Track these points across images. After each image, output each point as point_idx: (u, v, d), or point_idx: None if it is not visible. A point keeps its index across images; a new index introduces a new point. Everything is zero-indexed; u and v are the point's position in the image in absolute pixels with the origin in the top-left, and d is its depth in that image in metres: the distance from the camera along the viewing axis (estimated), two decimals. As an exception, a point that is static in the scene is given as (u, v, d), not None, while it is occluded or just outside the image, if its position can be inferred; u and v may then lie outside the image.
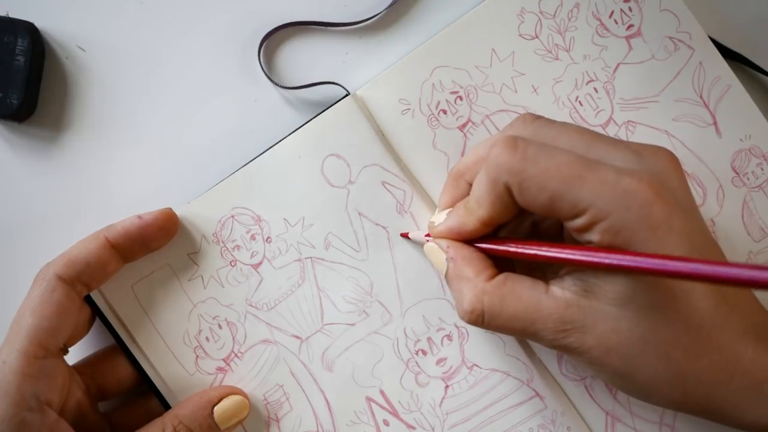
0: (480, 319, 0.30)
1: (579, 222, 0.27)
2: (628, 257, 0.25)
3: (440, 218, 0.32)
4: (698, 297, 0.27)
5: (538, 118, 0.31)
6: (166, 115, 0.38)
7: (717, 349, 0.27)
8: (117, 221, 0.34)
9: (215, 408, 0.33)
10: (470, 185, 0.31)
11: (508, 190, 0.28)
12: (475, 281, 0.30)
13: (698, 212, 0.29)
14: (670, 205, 0.26)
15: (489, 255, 0.31)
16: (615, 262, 0.25)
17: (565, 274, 0.29)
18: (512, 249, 0.29)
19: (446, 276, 0.31)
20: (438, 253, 0.32)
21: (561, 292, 0.28)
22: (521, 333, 0.29)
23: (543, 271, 0.32)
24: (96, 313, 0.35)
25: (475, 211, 0.30)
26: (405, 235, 0.36)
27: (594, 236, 0.27)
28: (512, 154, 0.28)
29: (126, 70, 0.38)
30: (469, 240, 0.31)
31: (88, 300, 0.35)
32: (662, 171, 0.28)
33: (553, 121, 0.30)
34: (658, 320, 0.27)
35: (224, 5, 0.38)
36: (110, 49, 0.38)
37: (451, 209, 0.32)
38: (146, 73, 0.38)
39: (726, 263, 0.22)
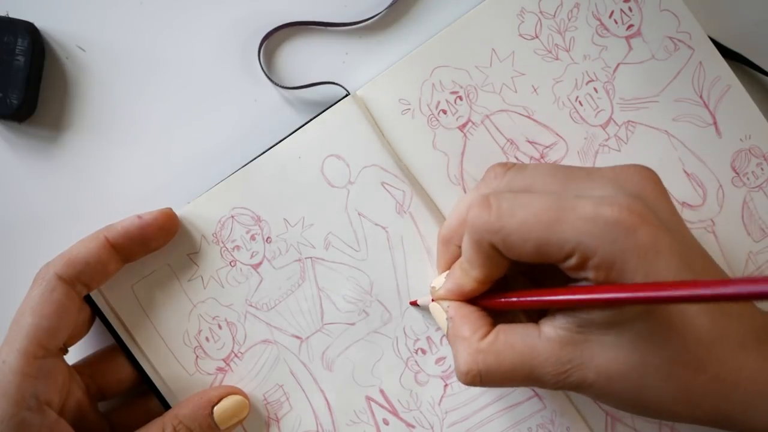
0: (477, 379, 0.29)
1: (570, 263, 0.27)
2: (623, 293, 0.24)
3: (440, 282, 0.32)
4: (694, 313, 0.27)
5: (509, 167, 0.31)
6: (166, 115, 0.37)
7: (718, 361, 0.27)
8: (117, 221, 0.33)
9: (215, 408, 0.33)
10: (459, 247, 0.32)
11: (494, 248, 0.28)
12: (470, 340, 0.30)
13: (684, 226, 0.29)
14: (655, 227, 0.26)
15: (490, 308, 0.31)
16: (612, 296, 0.25)
17: (555, 312, 0.29)
18: (513, 300, 0.30)
19: (447, 336, 0.32)
20: (441, 313, 0.32)
21: (554, 331, 0.28)
22: (523, 383, 0.29)
23: (539, 313, 0.32)
24: (96, 313, 0.35)
25: (469, 272, 0.30)
26: (414, 303, 0.36)
27: (589, 273, 0.26)
28: (488, 214, 0.28)
29: (126, 70, 0.38)
30: (471, 298, 0.31)
31: (88, 300, 0.34)
32: (641, 191, 0.28)
33: (524, 166, 0.31)
34: (656, 342, 0.27)
35: (224, 5, 0.37)
36: (110, 49, 0.37)
37: (448, 272, 0.32)
38: (146, 73, 0.38)
39: (719, 282, 0.21)
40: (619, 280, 0.26)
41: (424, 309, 0.35)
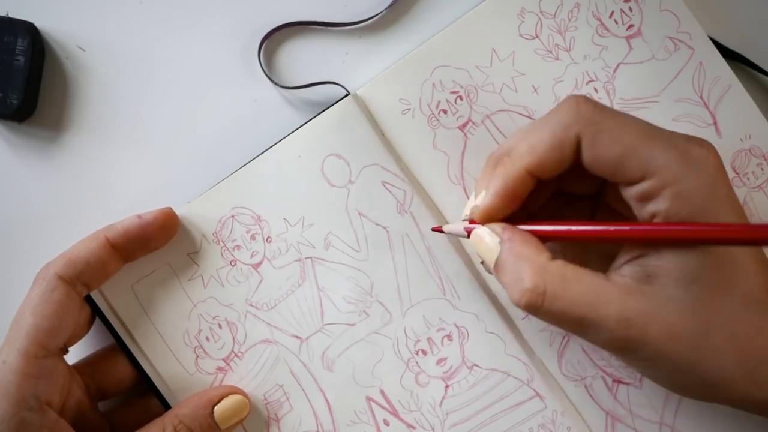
0: (540, 299, 0.26)
1: (645, 185, 0.26)
2: (711, 227, 0.24)
3: (479, 200, 0.29)
4: (754, 272, 0.26)
5: (593, 102, 0.28)
6: (166, 114, 0.37)
7: None
8: (117, 221, 0.33)
9: (215, 408, 0.33)
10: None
11: (576, 142, 0.27)
12: (538, 259, 0.27)
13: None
14: (728, 182, 0.26)
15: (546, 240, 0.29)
16: (697, 230, 0.24)
17: (623, 264, 0.27)
18: (575, 229, 0.27)
19: (498, 260, 0.28)
20: (487, 238, 0.28)
21: (622, 279, 0.27)
22: (579, 323, 0.26)
23: (596, 264, 0.29)
24: (96, 312, 0.34)
25: (522, 158, 0.28)
26: (438, 229, 0.32)
27: (661, 203, 0.25)
28: (593, 106, 0.27)
29: (126, 70, 0.37)
30: (514, 203, 0.29)
31: (88, 300, 0.34)
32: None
33: (606, 107, 0.28)
34: (723, 297, 0.26)
35: (224, 5, 0.37)
36: (110, 49, 0.37)
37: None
38: (146, 73, 0.37)
39: None
40: (690, 219, 0.25)
41: (456, 237, 0.32)
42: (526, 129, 0.29)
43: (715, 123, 0.36)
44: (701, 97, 0.36)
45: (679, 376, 0.27)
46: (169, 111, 0.37)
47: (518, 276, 0.27)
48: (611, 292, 0.26)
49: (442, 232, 0.32)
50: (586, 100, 0.27)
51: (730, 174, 0.36)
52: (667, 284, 0.26)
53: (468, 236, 0.30)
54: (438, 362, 0.35)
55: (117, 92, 0.37)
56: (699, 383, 0.27)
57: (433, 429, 0.35)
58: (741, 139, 0.36)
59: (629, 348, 0.26)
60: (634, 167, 0.26)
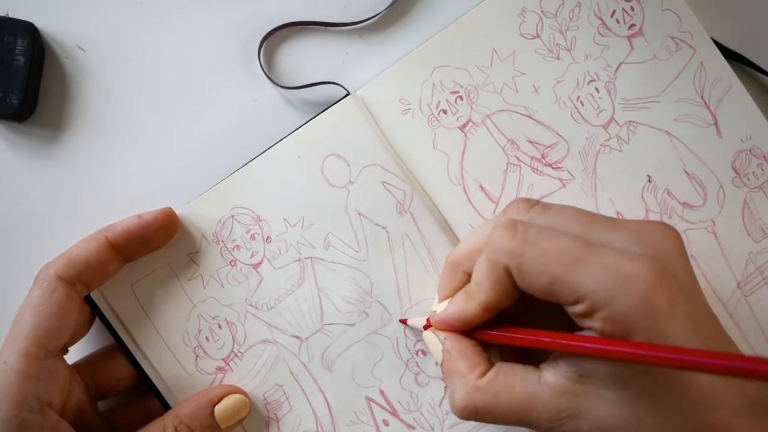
0: (472, 415, 0.28)
1: (579, 308, 0.25)
2: (628, 349, 0.23)
3: (441, 308, 0.31)
4: (693, 376, 0.26)
5: (533, 204, 0.29)
6: (166, 114, 0.36)
7: (712, 427, 0.25)
8: (117, 221, 0.32)
9: (216, 407, 0.32)
10: (467, 275, 0.30)
11: (508, 273, 0.27)
12: (468, 378, 0.28)
13: (700, 292, 0.28)
14: (672, 290, 0.25)
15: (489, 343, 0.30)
16: (615, 350, 0.24)
17: (558, 358, 0.27)
18: (512, 336, 0.28)
19: (441, 367, 0.30)
20: (435, 342, 0.30)
21: (555, 378, 0.27)
22: (517, 424, 0.28)
23: (536, 354, 0.31)
24: (96, 312, 0.33)
25: (475, 295, 0.29)
26: (404, 322, 0.34)
27: (595, 323, 0.25)
28: (512, 237, 0.26)
29: (126, 70, 0.36)
30: (469, 328, 0.30)
31: (88, 300, 0.33)
32: (663, 251, 0.26)
33: (549, 206, 0.29)
34: (654, 402, 0.25)
35: (224, 5, 0.36)
36: (110, 49, 0.36)
37: (451, 298, 0.31)
38: (146, 73, 0.36)
39: (725, 355, 0.21)
40: (625, 336, 0.25)
41: (415, 331, 0.34)
42: (475, 241, 0.30)
43: (715, 123, 0.35)
44: (702, 97, 0.35)
45: None
46: (169, 111, 0.36)
47: (452, 391, 0.29)
48: (543, 395, 0.27)
49: (407, 325, 0.34)
50: (511, 227, 0.27)
51: (731, 174, 0.35)
52: (599, 386, 0.26)
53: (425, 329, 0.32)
54: (437, 362, 0.34)
55: (117, 92, 0.36)
56: None
57: (432, 429, 0.34)
58: (742, 140, 0.35)
59: None
60: (564, 294, 0.25)
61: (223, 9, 0.36)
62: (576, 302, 0.25)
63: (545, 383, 0.27)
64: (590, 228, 0.27)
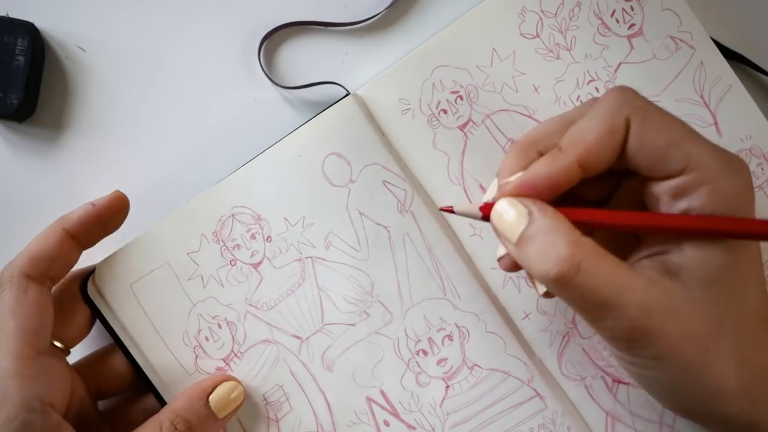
0: (574, 270, 0.24)
1: (683, 180, 0.25)
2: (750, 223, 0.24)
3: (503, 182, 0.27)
4: (761, 290, 0.25)
5: (636, 92, 0.27)
6: (166, 114, 0.36)
7: None
8: (70, 211, 0.32)
9: (210, 397, 0.31)
10: (540, 155, 0.27)
11: (626, 126, 0.25)
12: (572, 233, 0.24)
13: None
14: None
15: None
16: (744, 228, 0.24)
17: (641, 259, 0.26)
18: (607, 218, 0.25)
19: (525, 232, 0.25)
20: (512, 210, 0.25)
21: (646, 271, 0.25)
22: (602, 305, 0.24)
23: (616, 254, 0.27)
24: (94, 312, 0.33)
25: (570, 150, 0.25)
26: (448, 209, 0.28)
27: (696, 199, 0.25)
28: (637, 94, 0.26)
29: (126, 70, 0.36)
30: (555, 193, 0.26)
31: (87, 300, 0.32)
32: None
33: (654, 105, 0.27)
34: (735, 305, 0.25)
35: (224, 5, 0.36)
36: (110, 49, 0.36)
37: (528, 168, 0.27)
38: (146, 72, 0.36)
39: None
40: (723, 215, 0.24)
41: (468, 216, 0.28)
42: (561, 120, 0.27)
43: (715, 123, 0.35)
44: (702, 96, 0.34)
45: (681, 381, 0.25)
46: (169, 110, 0.36)
47: (551, 247, 0.24)
48: (637, 280, 0.24)
49: (452, 212, 0.28)
50: (631, 89, 0.26)
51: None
52: (688, 283, 0.25)
53: (482, 216, 0.27)
54: (439, 362, 0.34)
55: (117, 92, 0.36)
56: (698, 392, 0.25)
57: (433, 429, 0.34)
58: (741, 139, 0.35)
59: (643, 341, 0.24)
60: (676, 159, 0.25)
61: (223, 9, 0.36)
62: (682, 172, 0.25)
63: (639, 271, 0.25)
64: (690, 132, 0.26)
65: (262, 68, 0.35)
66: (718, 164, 0.25)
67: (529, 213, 0.25)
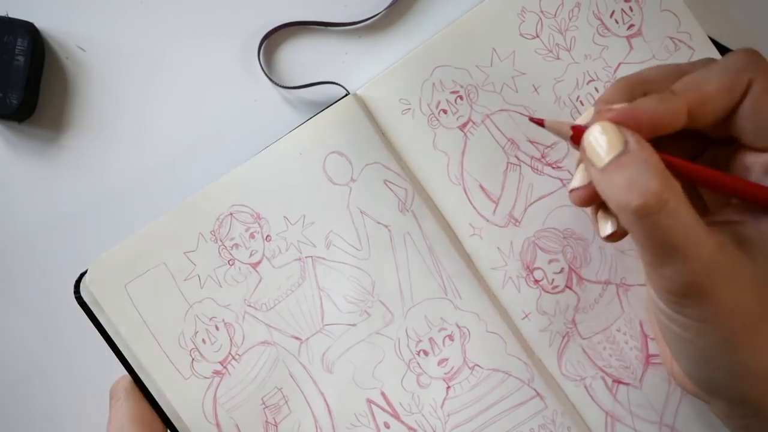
0: (660, 205, 0.23)
1: None
2: None
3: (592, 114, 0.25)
4: None
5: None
6: (166, 114, 0.35)
7: None
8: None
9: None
10: (645, 95, 0.26)
11: (746, 88, 0.24)
12: (665, 171, 0.23)
13: None
14: None
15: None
16: None
17: (716, 223, 0.25)
18: (702, 173, 0.24)
19: (618, 158, 0.24)
20: (607, 135, 0.24)
21: (718, 234, 0.24)
22: (672, 249, 0.23)
23: None
24: (86, 312, 0.32)
25: (682, 94, 0.24)
26: (538, 121, 0.26)
27: None
28: (764, 59, 0.25)
29: (126, 70, 0.35)
30: (656, 133, 0.25)
31: (80, 301, 0.31)
32: None
33: None
34: None
35: (224, 6, 0.35)
36: (110, 49, 0.35)
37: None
38: (146, 72, 0.35)
39: None
40: None
41: (556, 133, 0.26)
42: (675, 68, 0.26)
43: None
44: (701, 96, 0.34)
45: (715, 352, 0.24)
46: (169, 110, 0.35)
47: (642, 178, 0.23)
48: (710, 238, 0.23)
49: (542, 125, 0.26)
50: (758, 53, 0.25)
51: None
52: (757, 258, 0.24)
53: (572, 136, 0.25)
54: (439, 363, 0.33)
55: (117, 92, 0.35)
56: (727, 367, 0.24)
57: (434, 431, 0.33)
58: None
59: (696, 299, 0.23)
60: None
61: (223, 9, 0.35)
62: None
63: (713, 231, 0.24)
64: None
65: (262, 68, 0.35)
66: None
67: (626, 142, 0.23)
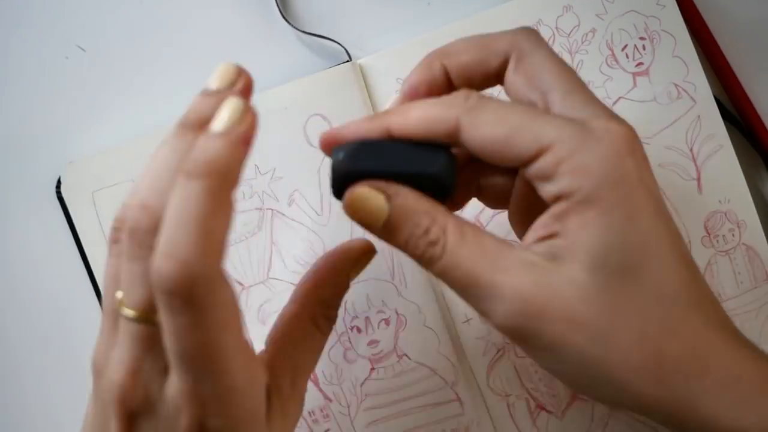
0: (440, 251, 0.23)
1: (541, 164, 0.22)
2: None
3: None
4: (671, 266, 0.22)
5: (540, 39, 0.24)
6: (167, 114, 0.34)
7: (692, 330, 0.22)
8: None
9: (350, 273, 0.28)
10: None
11: (456, 128, 0.23)
12: (434, 211, 0.23)
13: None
14: (642, 161, 0.22)
15: None
16: None
17: (530, 243, 0.23)
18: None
19: (389, 219, 0.23)
20: (371, 199, 0.24)
21: (526, 253, 0.22)
22: (475, 284, 0.22)
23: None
24: (64, 213, 0.33)
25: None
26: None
27: (561, 182, 0.22)
28: (465, 99, 0.23)
29: (126, 70, 0.34)
30: None
31: (60, 199, 0.32)
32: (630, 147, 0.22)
33: (551, 51, 0.24)
34: (632, 285, 0.21)
35: (224, 5, 0.34)
36: (110, 49, 0.34)
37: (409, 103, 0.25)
38: (146, 72, 0.34)
39: None
40: (598, 191, 0.21)
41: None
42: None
43: (698, 178, 0.34)
44: (691, 150, 0.33)
45: (584, 373, 0.23)
46: (169, 110, 0.34)
47: (417, 230, 0.23)
48: (512, 260, 0.22)
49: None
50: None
51: (702, 232, 0.34)
52: (572, 267, 0.22)
53: (344, 207, 0.24)
54: (369, 343, 0.33)
55: (117, 92, 0.34)
56: (605, 383, 0.22)
57: (348, 406, 0.33)
58: (720, 201, 0.34)
59: (527, 329, 0.22)
60: (524, 144, 0.22)
61: (223, 9, 0.34)
62: (537, 155, 0.22)
63: (516, 252, 0.22)
64: (578, 87, 0.23)
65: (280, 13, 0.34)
66: (574, 138, 0.21)
67: (386, 198, 0.23)
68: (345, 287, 0.28)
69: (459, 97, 0.23)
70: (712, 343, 0.22)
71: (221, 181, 0.20)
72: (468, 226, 0.23)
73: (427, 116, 0.23)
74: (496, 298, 0.22)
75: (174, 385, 0.21)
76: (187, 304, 0.19)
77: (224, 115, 0.22)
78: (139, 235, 0.21)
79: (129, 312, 0.21)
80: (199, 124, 0.22)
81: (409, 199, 0.23)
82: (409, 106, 0.24)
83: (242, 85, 0.24)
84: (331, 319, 0.28)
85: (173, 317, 0.19)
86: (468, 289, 0.23)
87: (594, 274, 0.21)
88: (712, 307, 0.23)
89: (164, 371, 0.21)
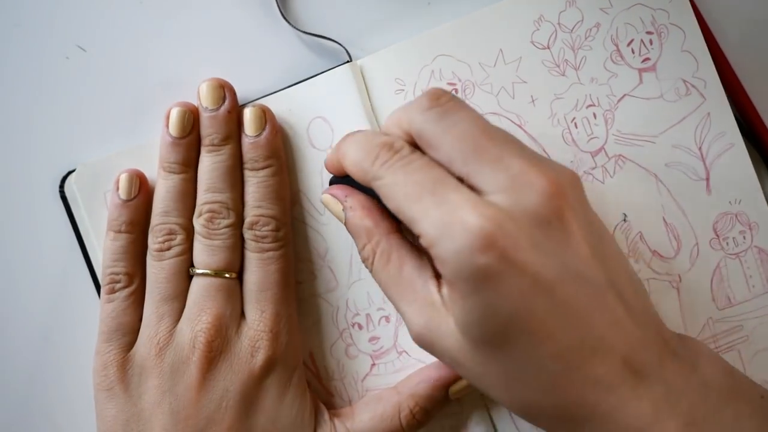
0: (369, 267, 0.27)
1: (422, 243, 0.24)
2: None
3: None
4: (540, 341, 0.23)
5: (442, 101, 0.25)
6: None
7: (573, 389, 0.23)
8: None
9: (451, 389, 0.31)
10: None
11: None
12: (374, 231, 0.27)
13: (573, 255, 0.23)
14: (505, 251, 0.21)
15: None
16: None
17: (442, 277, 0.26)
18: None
19: (346, 226, 0.28)
20: (332, 204, 0.28)
21: (430, 291, 0.25)
22: (394, 304, 0.26)
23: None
24: (66, 210, 0.34)
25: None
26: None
27: (438, 266, 0.24)
28: (371, 162, 0.25)
29: (126, 70, 0.35)
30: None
31: (62, 196, 0.33)
32: (530, 207, 0.22)
33: (451, 111, 0.24)
34: (500, 354, 0.23)
35: (224, 6, 0.34)
36: (110, 49, 0.34)
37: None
38: (146, 72, 0.35)
39: None
40: (450, 285, 0.23)
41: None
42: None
43: (707, 179, 0.32)
44: (700, 149, 0.32)
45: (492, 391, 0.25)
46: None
47: (359, 243, 0.27)
48: (418, 295, 0.25)
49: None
50: (382, 146, 0.25)
51: (710, 234, 0.32)
52: (452, 321, 0.24)
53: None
54: (370, 339, 0.34)
55: (117, 92, 0.34)
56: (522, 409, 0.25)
57: (350, 402, 0.33)
58: (730, 202, 0.32)
59: (428, 351, 0.26)
60: (408, 225, 0.24)
61: (223, 9, 0.34)
62: (418, 237, 0.24)
63: (427, 285, 0.25)
64: (473, 157, 0.23)
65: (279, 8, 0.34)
66: (435, 229, 0.22)
67: (343, 208, 0.28)
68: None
69: (384, 147, 0.25)
70: (588, 400, 0.23)
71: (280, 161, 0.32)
72: (396, 252, 0.26)
73: (354, 161, 0.26)
74: (404, 320, 0.26)
75: (253, 323, 0.30)
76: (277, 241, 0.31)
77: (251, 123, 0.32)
78: (216, 219, 0.30)
79: (206, 270, 0.30)
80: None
81: (356, 215, 0.27)
82: (348, 146, 0.27)
83: (231, 98, 0.32)
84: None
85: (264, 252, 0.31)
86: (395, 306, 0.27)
87: (464, 336, 0.24)
88: (598, 360, 0.23)
89: (239, 317, 0.30)
